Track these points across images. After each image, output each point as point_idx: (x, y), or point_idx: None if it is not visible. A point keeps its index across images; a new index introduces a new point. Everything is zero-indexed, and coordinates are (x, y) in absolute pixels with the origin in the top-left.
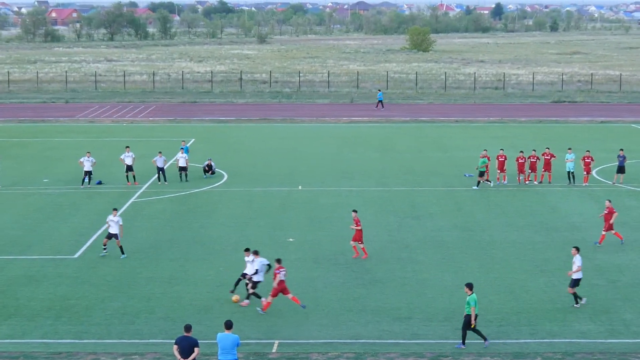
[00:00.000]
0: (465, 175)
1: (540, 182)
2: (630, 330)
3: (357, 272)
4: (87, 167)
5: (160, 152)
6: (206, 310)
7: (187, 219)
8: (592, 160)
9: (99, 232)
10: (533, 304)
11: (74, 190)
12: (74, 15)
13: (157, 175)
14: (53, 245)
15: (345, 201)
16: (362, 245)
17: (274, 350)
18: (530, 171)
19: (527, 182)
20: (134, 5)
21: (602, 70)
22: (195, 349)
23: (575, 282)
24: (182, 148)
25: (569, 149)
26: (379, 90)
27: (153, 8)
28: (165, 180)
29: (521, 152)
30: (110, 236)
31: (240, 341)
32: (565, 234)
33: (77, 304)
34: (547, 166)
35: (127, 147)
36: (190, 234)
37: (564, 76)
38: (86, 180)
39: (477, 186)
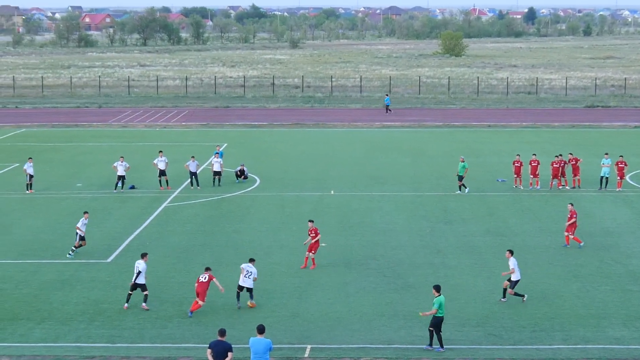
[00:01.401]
0: (497, 181)
1: (574, 187)
2: None
3: (389, 277)
4: (121, 171)
5: (193, 157)
6: (239, 315)
7: (220, 224)
8: (625, 165)
9: (132, 236)
10: (566, 310)
11: (107, 195)
12: (107, 20)
13: (189, 179)
14: (86, 250)
15: (377, 206)
16: (312, 256)
17: (306, 355)
18: (561, 176)
19: (560, 187)
20: (167, 10)
21: (635, 75)
22: (229, 354)
23: (514, 284)
24: (216, 152)
25: (606, 154)
26: (387, 95)
27: (186, 13)
28: (197, 185)
29: (556, 156)
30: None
31: (273, 345)
32: (599, 239)
33: (110, 308)
34: (576, 170)
35: (160, 151)
36: (223, 239)
37: (597, 81)
38: (119, 184)
39: (460, 190)
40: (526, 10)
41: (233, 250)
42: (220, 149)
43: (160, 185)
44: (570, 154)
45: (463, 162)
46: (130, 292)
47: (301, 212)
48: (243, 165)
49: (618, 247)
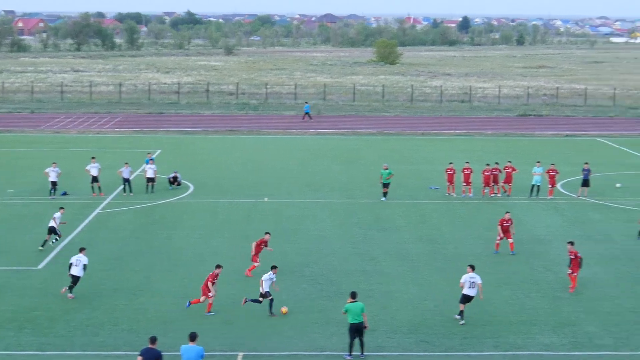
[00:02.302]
0: (430, 188)
1: (508, 195)
2: (594, 343)
3: (322, 284)
4: (53, 177)
5: (126, 163)
6: (171, 322)
7: (153, 230)
8: (557, 173)
9: (64, 243)
10: (497, 316)
11: (39, 201)
12: (41, 25)
13: (123, 186)
14: (17, 257)
15: (310, 213)
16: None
17: None
18: (493, 184)
19: (492, 195)
20: (101, 15)
21: (567, 84)
22: None
23: (464, 298)
24: (149, 159)
25: (538, 162)
26: (306, 103)
27: (120, 19)
28: (131, 192)
29: (487, 165)
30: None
31: (205, 353)
32: (530, 246)
33: (41, 315)
34: (508, 179)
35: (93, 157)
36: (156, 245)
37: (529, 90)
38: (52, 191)
39: (385, 197)
40: (460, 19)
41: (166, 257)
42: (152, 156)
43: (93, 192)
44: (509, 161)
45: (387, 169)
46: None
47: (234, 219)
48: (176, 172)
49: (548, 255)
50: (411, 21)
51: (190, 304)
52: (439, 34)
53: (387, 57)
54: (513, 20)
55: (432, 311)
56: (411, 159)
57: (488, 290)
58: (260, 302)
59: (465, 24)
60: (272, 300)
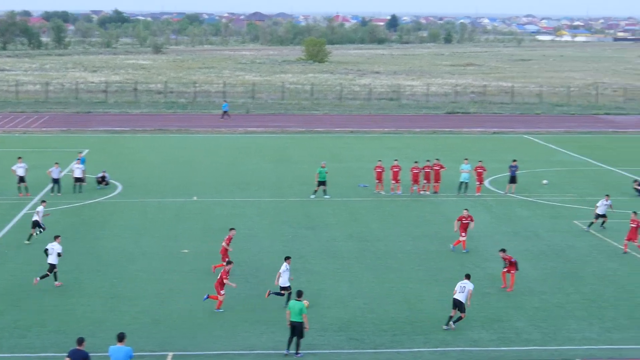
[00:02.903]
0: (360, 186)
1: (436, 193)
2: (521, 338)
3: (252, 282)
4: None
5: (57, 163)
6: (100, 323)
7: (81, 231)
8: (484, 170)
9: None
10: (427, 313)
11: None
12: None
13: (51, 186)
14: None
15: (240, 212)
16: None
17: None
18: (425, 182)
19: (420, 192)
20: (28, 14)
21: (494, 82)
22: None
23: (454, 303)
24: (78, 159)
25: (466, 159)
26: (225, 101)
27: (47, 17)
28: (59, 192)
29: (415, 162)
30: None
31: (134, 353)
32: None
33: None
34: (437, 177)
35: (20, 157)
36: (84, 246)
37: (457, 87)
38: None
39: (313, 195)
40: (389, 17)
41: (94, 257)
42: (82, 156)
43: (19, 192)
44: (437, 159)
45: (324, 167)
46: (48, 273)
47: (163, 218)
48: (104, 171)
49: (477, 251)
50: (340, 19)
51: (208, 297)
52: (368, 33)
53: (316, 56)
54: (441, 19)
55: (362, 309)
56: (340, 157)
57: (418, 287)
58: (282, 294)
59: (393, 23)
60: (290, 294)
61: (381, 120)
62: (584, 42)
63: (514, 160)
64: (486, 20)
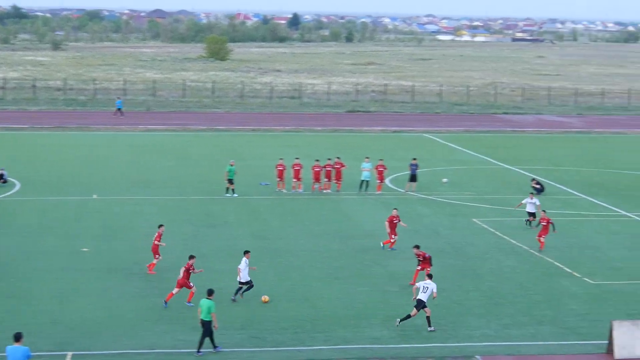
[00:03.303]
0: (261, 184)
1: (338, 191)
2: (421, 334)
3: (152, 281)
4: None
5: None
6: None
7: None
8: (385, 168)
9: None
10: (327, 311)
11: None
12: None
13: None
14: None
15: (140, 210)
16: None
17: None
18: (326, 180)
19: (322, 191)
20: None
21: (395, 81)
22: None
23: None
24: None
25: (367, 157)
26: (118, 98)
27: None
28: None
29: (317, 161)
30: None
31: (32, 353)
32: (360, 241)
33: None
34: (338, 175)
35: None
36: None
37: (358, 86)
38: None
39: (228, 193)
40: (290, 15)
41: None
42: None
43: None
44: (338, 158)
45: (233, 165)
46: None
47: (63, 216)
48: (2, 169)
49: (377, 249)
50: (241, 17)
51: (166, 302)
52: (269, 31)
53: (217, 53)
54: (342, 18)
55: (263, 307)
56: (242, 155)
57: (318, 285)
58: (248, 288)
59: (295, 21)
60: (250, 287)
61: (282, 118)
62: (483, 42)
63: (414, 159)
64: (387, 20)
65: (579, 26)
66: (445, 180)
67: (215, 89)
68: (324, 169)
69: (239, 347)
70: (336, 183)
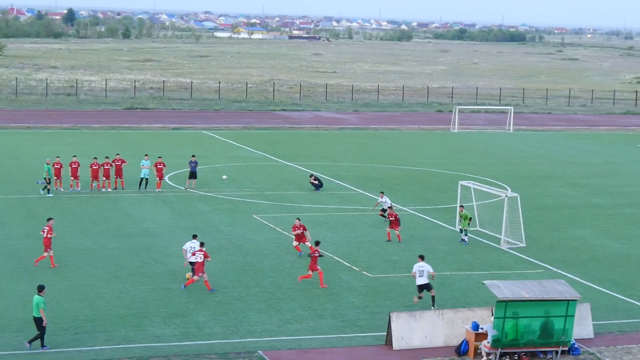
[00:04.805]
0: (38, 183)
1: (116, 189)
2: (203, 332)
3: None
4: None
5: None
6: None
7: None
8: (164, 166)
9: None
10: (108, 311)
11: None
12: None
13: None
14: None
15: None
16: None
17: None
18: (104, 178)
19: (101, 189)
20: None
21: (173, 78)
22: None
23: (418, 288)
24: None
25: (146, 155)
26: None
27: None
28: None
29: (95, 159)
30: None
31: None
32: (139, 239)
33: None
34: (119, 172)
35: None
36: None
37: (136, 83)
38: None
39: (48, 192)
40: (65, 11)
41: None
42: None
43: None
44: (118, 154)
45: (49, 164)
46: None
47: None
48: None
49: (158, 247)
50: (14, 12)
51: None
52: (44, 26)
53: None
54: (119, 14)
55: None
56: (17, 153)
57: (98, 285)
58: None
59: (70, 16)
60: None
61: (59, 115)
62: (260, 39)
63: (193, 156)
64: (164, 16)
65: (354, 24)
66: (224, 177)
67: None
68: (102, 167)
69: (17, 350)
70: (120, 180)
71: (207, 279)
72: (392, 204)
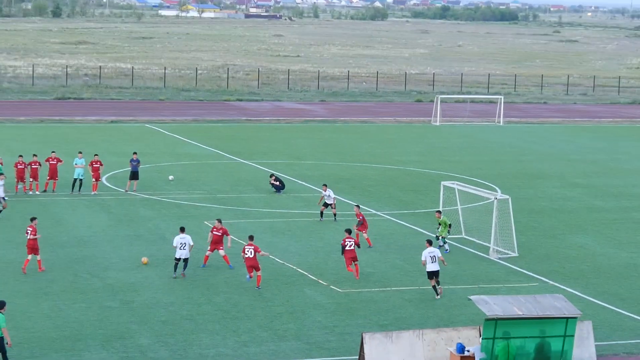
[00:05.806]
0: None
1: (45, 191)
2: (147, 356)
3: None
4: None
5: None
6: None
7: None
8: (101, 165)
9: None
10: (36, 333)
11: None
12: None
13: None
14: None
15: None
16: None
17: None
18: (32, 179)
19: (27, 192)
20: None
21: (112, 63)
22: None
23: (429, 275)
24: None
25: (80, 152)
26: None
27: None
28: None
29: (20, 156)
30: None
31: None
32: (72, 250)
33: None
34: (53, 173)
35: None
36: None
37: (69, 69)
38: None
39: None
40: None
41: None
42: None
43: None
44: (53, 152)
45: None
46: None
47: None
48: None
49: (94, 259)
50: None
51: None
52: None
53: None
54: None
55: None
56: None
57: (25, 303)
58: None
59: None
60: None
61: None
62: (212, 18)
63: (135, 153)
64: None
65: (321, 1)
66: (171, 177)
67: None
68: (29, 166)
69: None
70: (53, 182)
71: (260, 275)
72: (361, 205)
